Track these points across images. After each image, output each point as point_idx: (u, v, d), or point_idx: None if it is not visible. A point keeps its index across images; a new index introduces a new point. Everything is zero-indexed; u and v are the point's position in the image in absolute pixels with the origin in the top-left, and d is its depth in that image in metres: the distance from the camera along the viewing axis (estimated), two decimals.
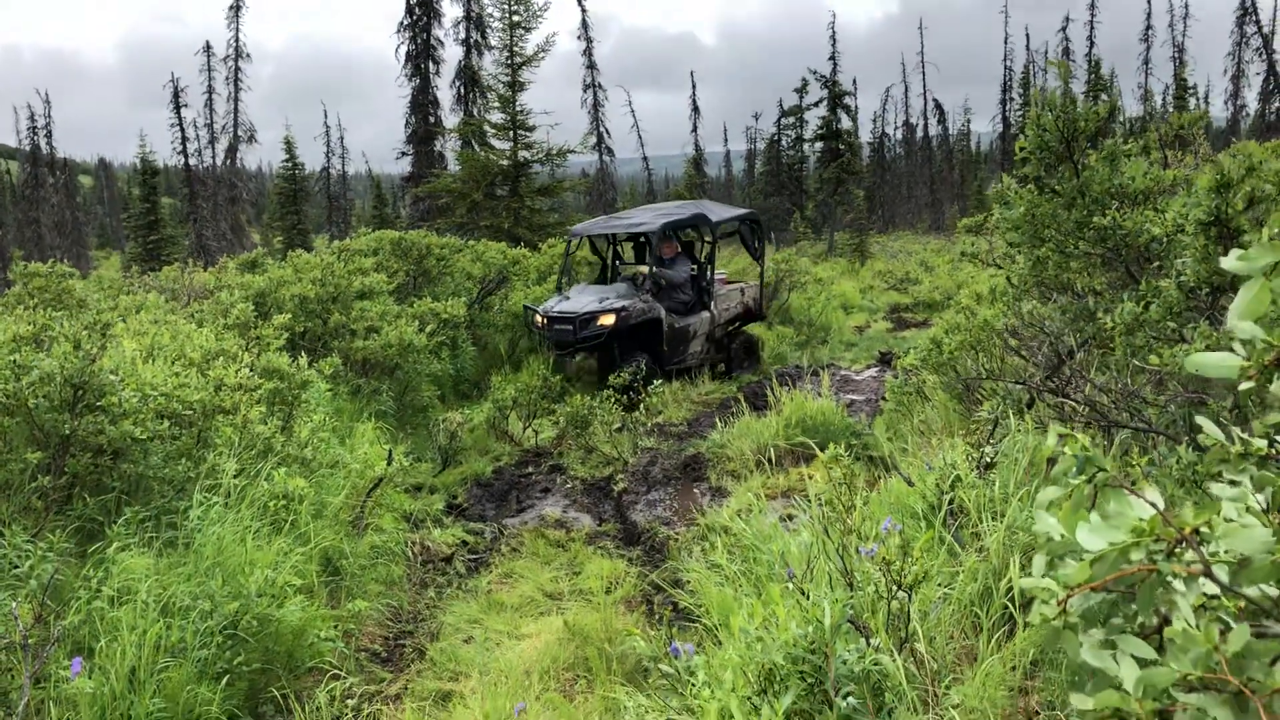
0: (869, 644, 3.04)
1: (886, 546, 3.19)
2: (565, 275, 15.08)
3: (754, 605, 2.97)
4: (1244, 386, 1.05)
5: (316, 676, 5.07)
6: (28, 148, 58.18)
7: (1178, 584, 1.09)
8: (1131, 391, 3.49)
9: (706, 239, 14.97)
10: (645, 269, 15.08)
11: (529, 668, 5.14)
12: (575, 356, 13.65)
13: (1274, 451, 1.13)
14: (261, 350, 8.02)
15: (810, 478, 7.99)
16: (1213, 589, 1.16)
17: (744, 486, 8.34)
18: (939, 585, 3.80)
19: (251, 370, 7.03)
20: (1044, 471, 1.20)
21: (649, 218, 14.32)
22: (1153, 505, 1.08)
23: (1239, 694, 1.02)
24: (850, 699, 2.74)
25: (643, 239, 15.16)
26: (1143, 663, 1.11)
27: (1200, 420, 1.17)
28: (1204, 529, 1.09)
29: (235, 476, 5.86)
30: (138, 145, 43.50)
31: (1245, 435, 1.17)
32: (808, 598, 3.15)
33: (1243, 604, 1.11)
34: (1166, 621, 1.15)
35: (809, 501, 6.21)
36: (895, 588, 3.10)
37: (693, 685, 2.84)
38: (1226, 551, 1.14)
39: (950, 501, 4.33)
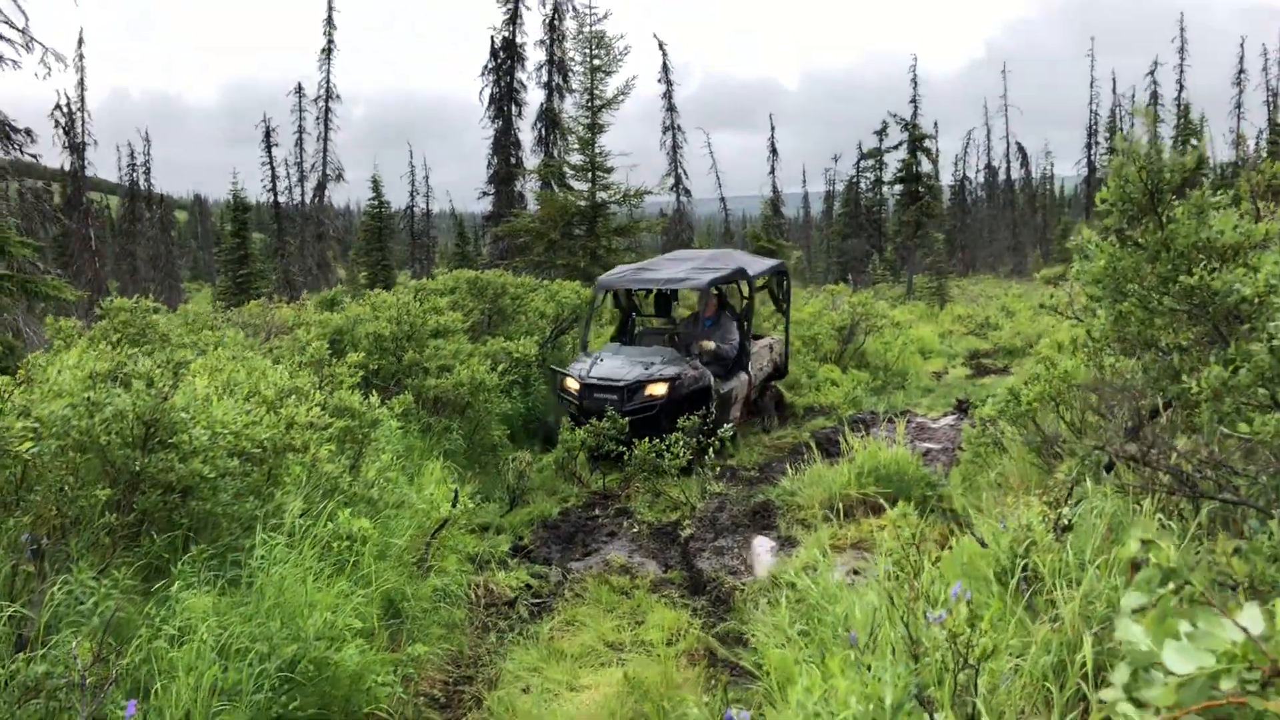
0: None
1: (954, 617, 3.04)
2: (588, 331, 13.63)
3: (813, 677, 2.85)
4: None
5: None
6: (128, 184, 60.41)
7: None
8: (1219, 460, 3.31)
9: (743, 294, 13.63)
10: (669, 324, 14.09)
11: None
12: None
13: None
14: (335, 388, 8.10)
15: (882, 528, 7.79)
16: None
17: (813, 537, 8.15)
18: (1010, 655, 3.62)
19: (323, 408, 7.09)
20: (1128, 575, 1.08)
21: (685, 271, 12.92)
22: (1244, 631, 0.96)
23: None
24: None
25: (673, 294, 13.83)
26: None
27: None
28: None
29: (300, 515, 5.88)
30: (230, 182, 44.91)
31: None
32: (869, 670, 3.01)
33: None
34: None
35: (879, 556, 6.03)
36: (962, 662, 2.95)
37: None
38: None
39: (1024, 567, 4.14)
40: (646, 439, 10.53)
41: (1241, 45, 58.10)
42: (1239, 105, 57.87)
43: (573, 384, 11.82)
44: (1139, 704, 1.08)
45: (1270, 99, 57.19)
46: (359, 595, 5.59)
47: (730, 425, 11.55)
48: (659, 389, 11.29)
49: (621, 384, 11.38)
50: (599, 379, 11.55)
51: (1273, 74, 57.67)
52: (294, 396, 7.19)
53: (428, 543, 7.17)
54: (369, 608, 5.68)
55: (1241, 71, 58.07)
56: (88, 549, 4.86)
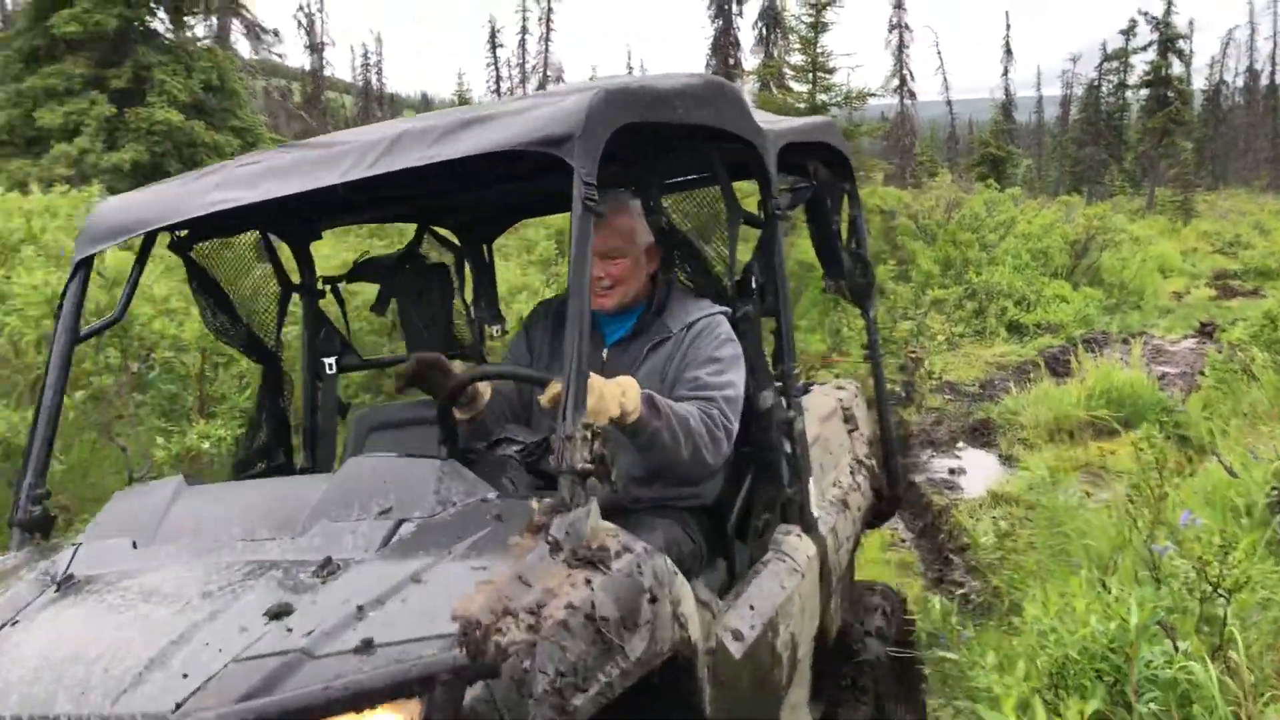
0: (1176, 648, 2.84)
1: (1204, 544, 2.95)
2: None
3: (1048, 594, 2.84)
4: None
5: None
6: (361, 84, 63.35)
7: None
8: None
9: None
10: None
11: None
12: None
13: None
14: None
15: (1113, 454, 7.52)
16: None
17: (1038, 457, 7.95)
18: (1260, 588, 3.49)
19: None
20: None
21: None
22: None
23: None
24: (1153, 704, 2.58)
25: None
26: None
27: None
28: None
29: None
30: (455, 83, 46.35)
31: None
32: (1109, 590, 2.97)
33: None
34: None
35: (1110, 479, 5.84)
36: (1213, 590, 2.87)
37: (981, 670, 2.76)
38: None
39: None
40: None
41: None
42: None
43: None
44: None
45: None
46: None
47: None
48: None
49: None
50: None
51: None
52: None
53: None
54: None
55: None
56: None
